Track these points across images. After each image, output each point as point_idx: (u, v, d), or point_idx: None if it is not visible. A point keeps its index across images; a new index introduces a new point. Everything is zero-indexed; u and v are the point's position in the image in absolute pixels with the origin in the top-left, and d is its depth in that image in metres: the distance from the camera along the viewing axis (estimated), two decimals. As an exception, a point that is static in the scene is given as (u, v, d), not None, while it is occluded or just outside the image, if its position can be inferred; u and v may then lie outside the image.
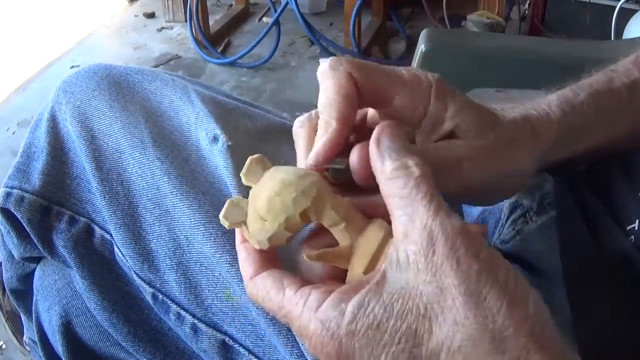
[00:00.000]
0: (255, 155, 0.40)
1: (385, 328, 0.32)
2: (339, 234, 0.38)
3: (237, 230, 0.41)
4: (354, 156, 0.39)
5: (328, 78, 0.41)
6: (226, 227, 0.39)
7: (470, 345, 0.31)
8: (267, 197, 0.38)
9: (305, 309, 0.35)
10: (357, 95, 0.40)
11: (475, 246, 0.33)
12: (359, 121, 0.45)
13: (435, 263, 0.32)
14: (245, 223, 0.39)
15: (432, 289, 0.32)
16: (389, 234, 0.37)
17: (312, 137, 0.42)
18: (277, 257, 0.40)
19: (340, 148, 0.40)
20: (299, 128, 0.44)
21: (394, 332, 0.32)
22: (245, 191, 0.43)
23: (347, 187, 0.41)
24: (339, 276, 0.39)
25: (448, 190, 0.44)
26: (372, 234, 0.37)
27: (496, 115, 0.45)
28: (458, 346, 0.32)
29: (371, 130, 0.38)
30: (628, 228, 0.50)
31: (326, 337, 0.33)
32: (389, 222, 0.36)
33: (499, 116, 0.46)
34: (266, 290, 0.37)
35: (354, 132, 0.43)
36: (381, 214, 0.37)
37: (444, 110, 0.42)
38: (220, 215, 0.39)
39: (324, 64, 0.41)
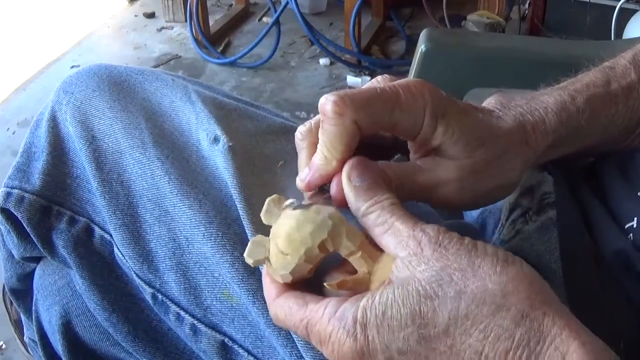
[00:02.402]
0: (273, 196, 0.43)
1: (390, 314, 0.35)
2: (356, 262, 0.40)
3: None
4: (333, 190, 0.43)
5: (332, 124, 0.42)
6: (251, 265, 0.42)
7: (474, 308, 0.33)
8: (286, 233, 0.40)
9: (326, 313, 0.37)
10: (358, 136, 0.42)
11: (457, 237, 0.36)
12: None
13: (426, 256, 0.36)
14: (268, 259, 0.42)
15: (429, 274, 0.35)
16: None
17: (313, 151, 0.44)
18: (299, 286, 0.42)
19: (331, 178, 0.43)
20: (300, 140, 0.46)
21: (399, 317, 0.35)
22: (242, 194, 0.47)
23: None
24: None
25: (435, 206, 0.47)
26: (387, 260, 0.39)
27: (489, 129, 0.45)
28: (464, 314, 0.34)
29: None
30: (627, 226, 0.50)
31: (343, 334, 0.36)
32: None
33: (493, 127, 0.46)
34: (288, 306, 0.40)
35: None
36: None
37: (433, 131, 0.43)
38: (245, 255, 0.42)
39: (327, 103, 0.41)
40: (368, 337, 0.36)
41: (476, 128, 0.45)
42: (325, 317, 0.37)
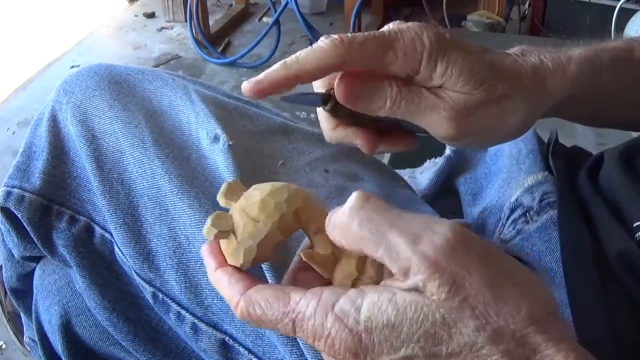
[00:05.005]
0: (232, 179, 0.42)
1: (400, 329, 0.33)
2: (322, 242, 0.39)
3: (209, 258, 0.40)
4: (339, 86, 0.44)
5: (316, 51, 0.42)
6: (212, 238, 0.39)
7: (491, 344, 0.33)
8: (260, 199, 0.39)
9: (320, 306, 0.35)
10: (333, 66, 0.43)
11: (481, 252, 0.34)
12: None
13: (445, 282, 0.33)
14: (233, 232, 0.39)
15: (449, 304, 0.33)
16: None
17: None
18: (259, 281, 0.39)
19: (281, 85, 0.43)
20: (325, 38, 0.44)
21: (411, 333, 0.33)
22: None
23: (346, 119, 0.47)
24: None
25: (431, 133, 0.46)
26: (349, 255, 0.38)
27: (493, 70, 0.45)
28: (480, 346, 0.33)
29: None
30: (635, 224, 0.50)
31: (345, 332, 0.34)
32: None
33: (501, 69, 0.46)
34: (264, 300, 0.36)
35: None
36: None
37: (432, 72, 0.44)
38: (205, 230, 0.39)
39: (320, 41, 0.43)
40: (374, 340, 0.34)
41: (478, 66, 0.45)
42: (321, 311, 0.34)
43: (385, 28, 0.45)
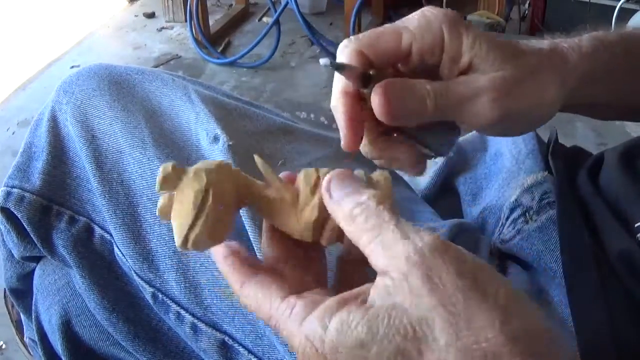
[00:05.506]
0: (170, 163, 0.39)
1: (370, 347, 0.31)
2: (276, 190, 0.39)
3: (215, 248, 0.40)
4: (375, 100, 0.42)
5: (342, 55, 0.43)
6: (159, 210, 0.38)
7: None
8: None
9: (290, 321, 0.34)
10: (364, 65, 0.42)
11: (457, 262, 0.31)
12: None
13: (417, 286, 0.31)
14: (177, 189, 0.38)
15: (420, 311, 0.31)
16: (317, 178, 0.38)
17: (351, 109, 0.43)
18: (260, 264, 0.39)
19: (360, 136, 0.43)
20: (343, 47, 0.45)
21: (381, 351, 0.31)
22: None
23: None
24: (324, 282, 0.39)
25: (469, 124, 0.44)
26: (301, 184, 0.39)
27: (517, 46, 0.44)
28: None
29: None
30: (636, 225, 0.50)
31: (311, 351, 0.33)
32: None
33: (522, 46, 0.45)
34: (255, 298, 0.36)
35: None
36: None
37: (460, 44, 0.42)
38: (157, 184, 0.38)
39: (340, 46, 0.43)
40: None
41: (504, 45, 0.43)
42: (291, 326, 0.34)
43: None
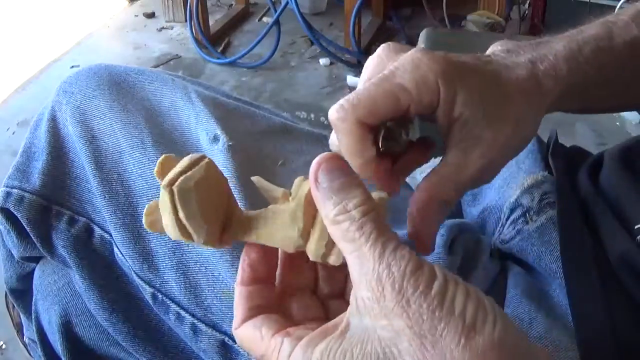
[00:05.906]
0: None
1: None
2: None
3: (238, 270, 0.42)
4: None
5: (341, 132, 0.41)
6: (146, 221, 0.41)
7: None
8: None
9: (280, 357, 0.35)
10: (369, 133, 0.41)
11: (425, 282, 0.31)
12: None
13: (387, 307, 0.31)
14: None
15: (389, 333, 0.32)
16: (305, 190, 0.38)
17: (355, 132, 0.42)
18: (264, 299, 0.40)
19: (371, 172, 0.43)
20: (340, 122, 0.42)
21: None
22: (242, 193, 0.42)
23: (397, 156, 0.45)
24: (319, 317, 0.40)
25: (468, 179, 0.44)
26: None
27: (501, 89, 0.43)
28: None
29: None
30: (637, 227, 0.50)
31: None
32: None
33: (504, 82, 0.44)
34: (248, 338, 0.38)
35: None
36: None
37: (454, 103, 0.42)
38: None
39: (332, 114, 0.41)
40: None
41: (491, 93, 0.43)
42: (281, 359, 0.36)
43: (381, 60, 0.44)
